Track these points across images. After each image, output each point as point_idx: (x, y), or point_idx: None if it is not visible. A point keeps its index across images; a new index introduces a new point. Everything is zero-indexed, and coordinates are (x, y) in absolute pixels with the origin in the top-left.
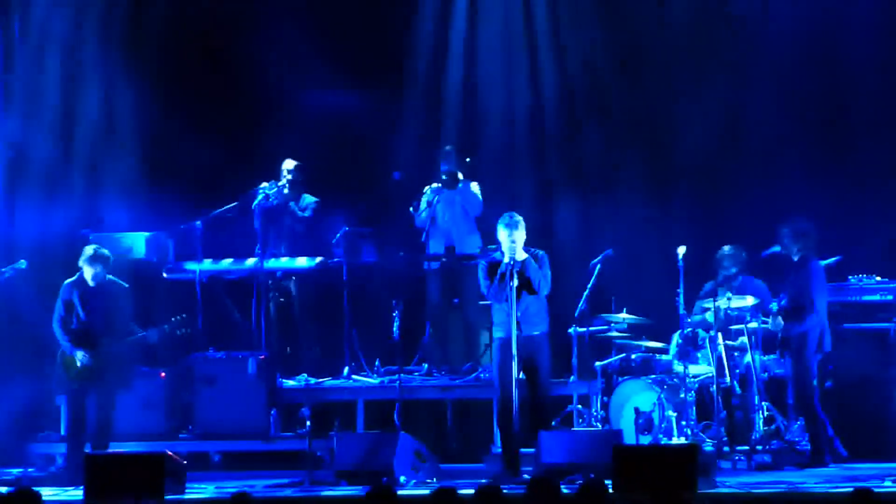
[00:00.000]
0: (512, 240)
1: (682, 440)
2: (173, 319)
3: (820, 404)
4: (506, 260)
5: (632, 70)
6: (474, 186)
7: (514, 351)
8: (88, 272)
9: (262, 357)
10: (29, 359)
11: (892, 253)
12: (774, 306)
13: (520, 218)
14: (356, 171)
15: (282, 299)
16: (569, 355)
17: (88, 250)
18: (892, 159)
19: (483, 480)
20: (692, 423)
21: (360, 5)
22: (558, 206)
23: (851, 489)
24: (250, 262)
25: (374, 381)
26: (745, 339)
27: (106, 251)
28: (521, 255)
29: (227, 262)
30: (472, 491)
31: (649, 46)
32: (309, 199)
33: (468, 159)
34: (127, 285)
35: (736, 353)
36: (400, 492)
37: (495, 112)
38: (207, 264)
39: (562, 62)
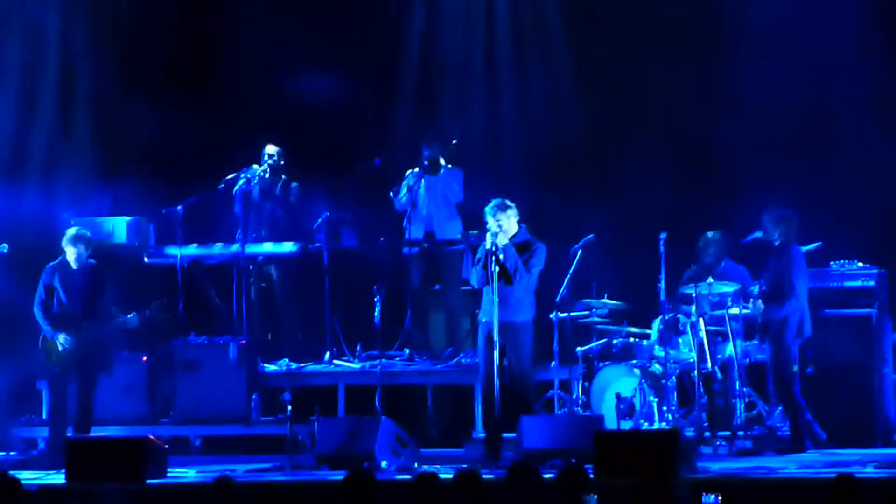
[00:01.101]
0: (493, 224)
1: (664, 425)
2: (154, 304)
3: (800, 389)
4: (487, 245)
5: (615, 53)
6: (456, 173)
7: (496, 336)
8: (71, 253)
9: (244, 342)
10: (10, 343)
11: (874, 239)
12: (756, 289)
13: (509, 204)
14: (337, 157)
15: (263, 284)
16: (550, 341)
17: (70, 231)
18: (874, 145)
19: (463, 465)
20: (673, 408)
21: None
22: (539, 192)
23: (832, 475)
24: (231, 247)
25: (355, 366)
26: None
27: (87, 232)
28: (503, 241)
29: (208, 247)
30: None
31: (632, 28)
32: (289, 184)
33: (454, 141)
34: (108, 269)
35: (718, 339)
36: (381, 477)
37: (478, 97)
38: (188, 249)
39: (549, 44)
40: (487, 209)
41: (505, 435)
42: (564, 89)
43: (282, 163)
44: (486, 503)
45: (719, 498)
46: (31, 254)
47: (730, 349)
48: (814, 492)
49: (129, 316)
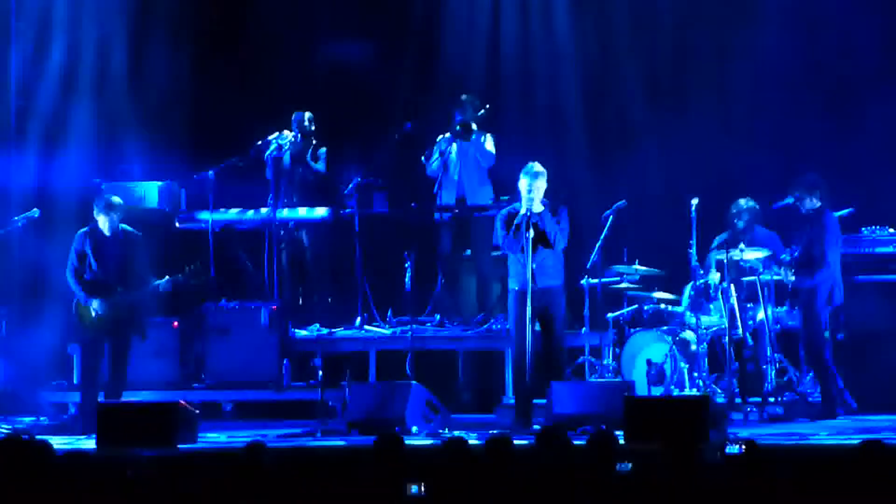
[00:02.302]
0: (529, 190)
1: (694, 392)
2: (187, 269)
3: (831, 356)
4: (522, 211)
5: (645, 21)
6: (488, 139)
7: (529, 303)
8: (104, 222)
9: (275, 307)
10: (41, 308)
11: None
12: (787, 258)
13: (542, 169)
14: (368, 122)
15: (294, 250)
16: (581, 307)
17: (101, 200)
18: None
19: (494, 431)
20: (704, 374)
21: None
22: (572, 157)
23: (861, 441)
24: (262, 212)
25: (386, 331)
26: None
27: (118, 198)
28: (538, 208)
29: (239, 212)
30: (482, 441)
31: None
32: (320, 149)
33: (484, 108)
34: (139, 234)
35: (749, 305)
36: (412, 441)
37: (511, 61)
38: (220, 214)
39: (579, 11)
40: (522, 174)
41: (536, 401)
42: (597, 54)
43: (313, 128)
44: (516, 469)
45: (744, 447)
46: (62, 219)
47: (761, 315)
48: (845, 458)
49: (162, 281)
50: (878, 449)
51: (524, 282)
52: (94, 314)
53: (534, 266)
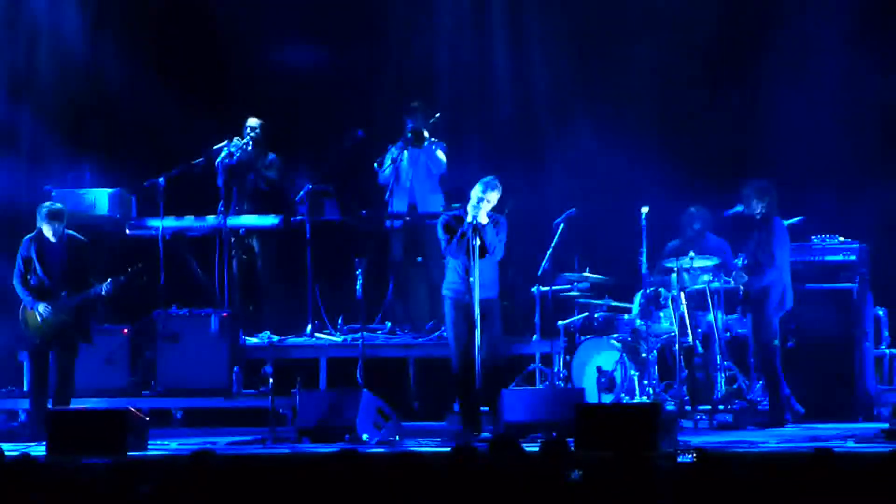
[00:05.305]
0: (479, 199)
1: (644, 399)
2: (129, 270)
3: (780, 363)
4: (468, 219)
5: (592, 31)
6: (439, 151)
7: (476, 310)
8: (48, 230)
9: (225, 314)
10: None
11: (854, 213)
12: (739, 262)
13: (499, 184)
14: (320, 129)
15: (245, 257)
16: (531, 314)
17: (43, 209)
18: (853, 116)
19: (444, 438)
20: (654, 382)
21: None
22: (522, 164)
23: (812, 449)
24: (213, 219)
25: (336, 339)
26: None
27: (59, 205)
28: (484, 220)
29: (189, 219)
30: (434, 449)
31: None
32: (271, 156)
33: (436, 116)
34: (85, 239)
35: (699, 313)
36: (364, 450)
37: (464, 69)
38: (170, 221)
39: (533, 20)
40: (479, 183)
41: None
42: (551, 64)
43: (264, 135)
44: (475, 478)
45: (695, 456)
46: (11, 225)
47: (710, 321)
48: (794, 466)
49: (104, 283)
50: (828, 457)
51: (461, 289)
52: (39, 319)
53: (471, 278)
